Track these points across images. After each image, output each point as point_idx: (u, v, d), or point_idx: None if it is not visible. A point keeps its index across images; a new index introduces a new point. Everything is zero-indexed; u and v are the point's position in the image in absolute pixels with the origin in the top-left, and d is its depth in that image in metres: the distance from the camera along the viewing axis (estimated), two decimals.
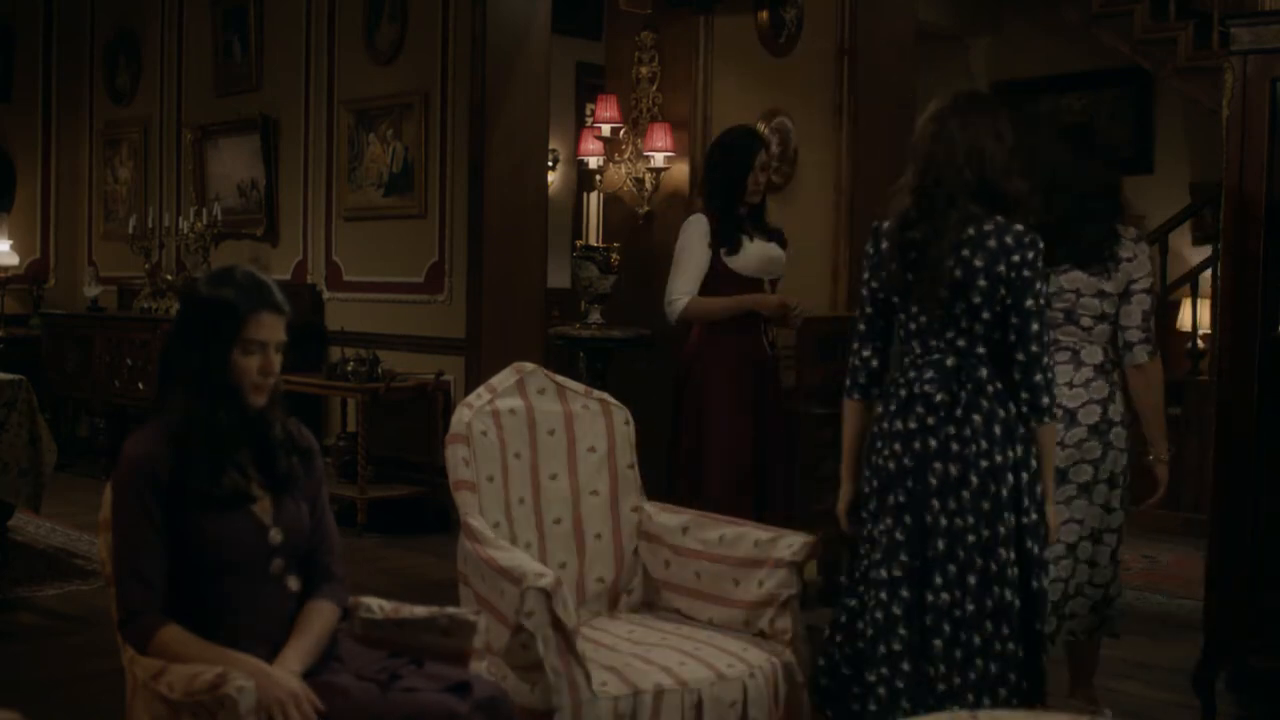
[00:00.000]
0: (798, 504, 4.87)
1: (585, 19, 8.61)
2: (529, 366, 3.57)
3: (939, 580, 2.97)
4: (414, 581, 5.56)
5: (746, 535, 3.34)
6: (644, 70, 5.87)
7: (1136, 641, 5.04)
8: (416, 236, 7.08)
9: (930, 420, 3.00)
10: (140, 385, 8.02)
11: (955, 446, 2.98)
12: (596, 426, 3.56)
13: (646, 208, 5.85)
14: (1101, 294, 3.82)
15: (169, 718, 2.37)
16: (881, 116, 5.72)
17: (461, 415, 3.38)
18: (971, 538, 2.96)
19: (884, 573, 3.03)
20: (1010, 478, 2.98)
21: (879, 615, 3.01)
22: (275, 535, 2.54)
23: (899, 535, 3.01)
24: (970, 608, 2.95)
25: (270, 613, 2.51)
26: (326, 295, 7.63)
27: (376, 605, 2.75)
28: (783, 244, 4.81)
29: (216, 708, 2.27)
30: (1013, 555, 2.98)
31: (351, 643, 2.66)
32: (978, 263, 2.96)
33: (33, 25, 9.56)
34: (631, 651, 3.11)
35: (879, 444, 3.08)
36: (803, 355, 5.02)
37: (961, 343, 3.01)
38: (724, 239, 4.64)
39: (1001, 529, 2.96)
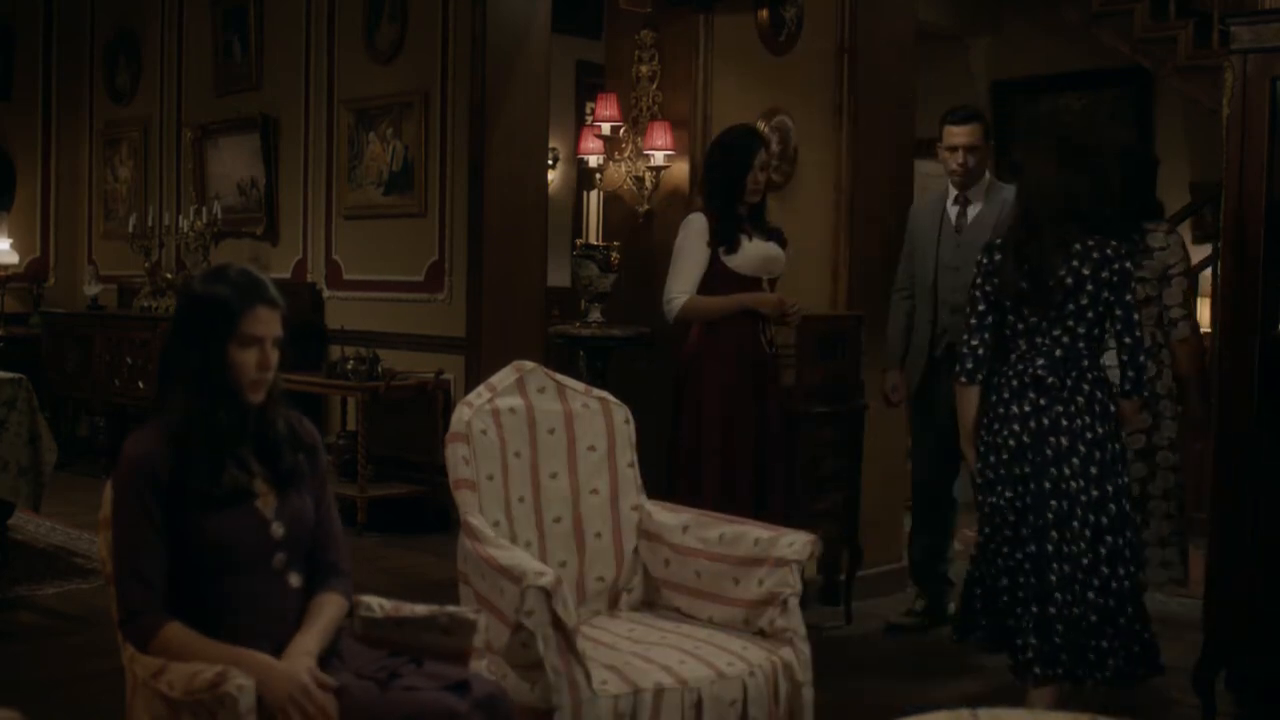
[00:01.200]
0: (797, 503, 4.87)
1: (585, 18, 8.61)
2: (529, 365, 3.57)
3: (1068, 534, 3.63)
4: (414, 580, 5.56)
5: (747, 534, 3.34)
6: (644, 69, 5.86)
7: None
8: (416, 235, 7.08)
9: (1042, 401, 3.68)
10: (140, 384, 8.02)
11: (1064, 422, 3.66)
12: (596, 425, 3.56)
13: (646, 206, 5.84)
14: (1142, 280, 4.44)
15: (169, 717, 2.37)
16: (881, 116, 5.71)
17: (461, 414, 3.38)
18: (1084, 498, 3.64)
19: (1010, 533, 3.72)
20: (1109, 446, 3.70)
21: (1009, 564, 3.72)
22: (277, 529, 2.53)
23: (1028, 500, 3.68)
24: (1089, 555, 3.63)
25: (271, 611, 2.51)
26: (326, 294, 7.63)
27: (376, 604, 2.75)
28: (782, 243, 4.81)
29: (217, 706, 2.27)
30: (1127, 508, 3.72)
31: (351, 641, 2.66)
32: (1086, 271, 3.67)
33: (33, 25, 9.56)
34: (631, 650, 3.11)
35: (997, 425, 3.75)
36: (803, 354, 5.02)
37: (1066, 338, 3.70)
38: (723, 238, 4.64)
39: (1109, 488, 3.68)
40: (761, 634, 3.24)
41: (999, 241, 3.87)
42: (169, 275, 8.34)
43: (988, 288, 3.83)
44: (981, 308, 3.84)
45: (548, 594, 2.84)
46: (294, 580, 2.57)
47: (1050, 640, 3.63)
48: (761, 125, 5.60)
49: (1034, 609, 3.65)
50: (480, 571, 3.09)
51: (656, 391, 4.92)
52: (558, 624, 2.85)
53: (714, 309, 4.63)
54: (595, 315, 5.72)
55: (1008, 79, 9.23)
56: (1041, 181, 3.79)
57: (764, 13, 5.75)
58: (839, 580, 5.32)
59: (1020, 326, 3.77)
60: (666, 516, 3.53)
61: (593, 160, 6.06)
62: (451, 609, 2.71)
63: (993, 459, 3.76)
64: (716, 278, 4.64)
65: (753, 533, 3.34)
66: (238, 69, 8.31)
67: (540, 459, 3.46)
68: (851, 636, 5.08)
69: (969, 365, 3.85)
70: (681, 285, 4.65)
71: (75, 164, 9.76)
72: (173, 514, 2.44)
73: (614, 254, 5.76)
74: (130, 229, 8.60)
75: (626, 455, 3.58)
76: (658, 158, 5.72)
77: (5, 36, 9.42)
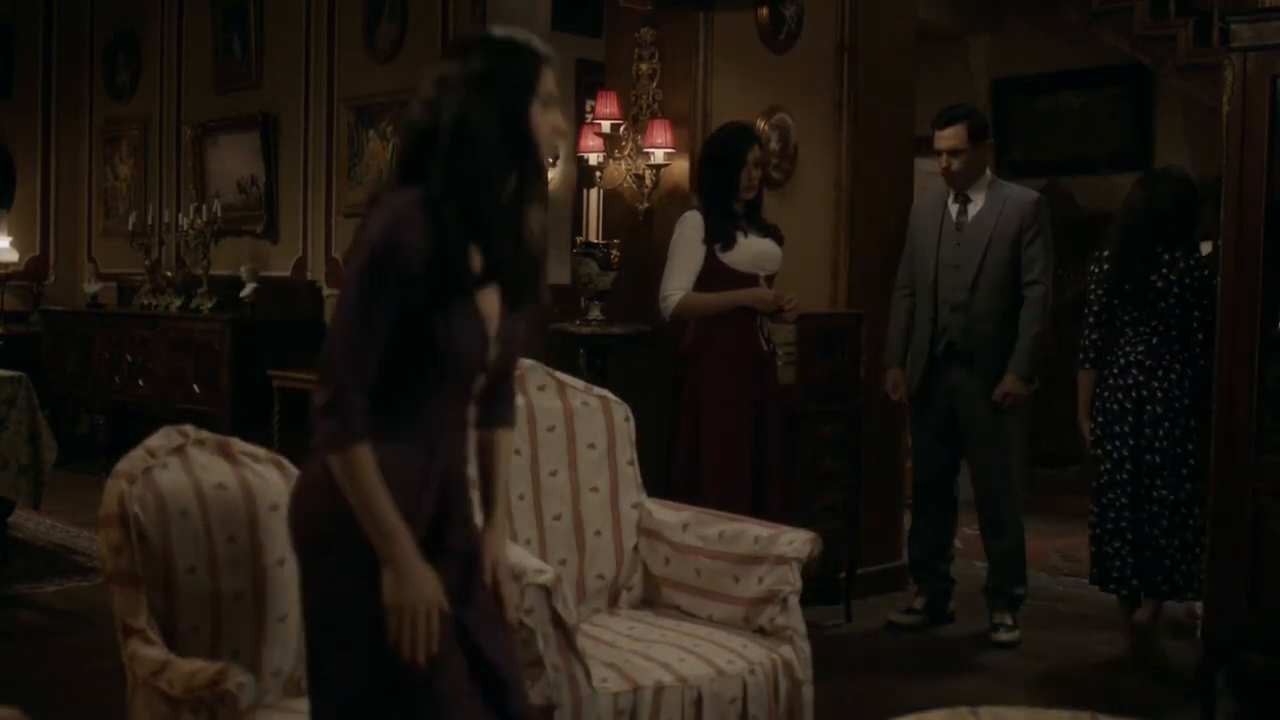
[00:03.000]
0: (796, 501, 4.87)
1: (585, 16, 8.59)
2: (528, 363, 3.57)
3: (1159, 480, 4.54)
4: None
5: (746, 532, 3.34)
6: (644, 67, 5.88)
7: None
8: None
9: (1141, 378, 4.58)
10: (140, 382, 8.02)
11: (1160, 394, 4.54)
12: (596, 423, 3.56)
13: (646, 204, 5.85)
14: None
15: (169, 715, 2.37)
16: (881, 115, 5.70)
17: None
18: (1173, 452, 4.52)
19: (1113, 478, 4.62)
20: (1194, 415, 4.50)
21: (1118, 504, 4.60)
22: (493, 351, 2.26)
23: (1125, 453, 4.59)
24: (1173, 496, 4.53)
25: (441, 435, 2.23)
26: (326, 292, 7.60)
27: None
28: (779, 240, 4.81)
29: (216, 704, 2.26)
30: (1201, 465, 4.35)
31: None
32: (1172, 278, 4.53)
33: (33, 23, 9.56)
34: (631, 648, 3.11)
35: (1107, 394, 4.65)
36: (802, 352, 5.02)
37: (1161, 328, 4.56)
38: (718, 235, 4.64)
39: (1190, 446, 4.51)
40: (761, 632, 3.24)
41: (1105, 253, 4.70)
42: (169, 273, 8.34)
43: (1099, 291, 4.70)
44: (1096, 308, 4.72)
45: (548, 591, 2.84)
46: (472, 412, 2.31)
47: (1141, 564, 4.58)
48: (761, 123, 5.61)
49: (1129, 538, 4.59)
50: None
51: (656, 389, 4.92)
52: (558, 622, 2.85)
53: (709, 306, 4.63)
54: (595, 313, 5.72)
55: (1008, 77, 9.22)
56: (1137, 202, 4.65)
57: (764, 11, 5.76)
58: (839, 578, 5.31)
59: (1126, 319, 4.63)
60: (666, 514, 3.53)
61: (593, 158, 6.06)
62: None
63: (1101, 420, 4.66)
64: (713, 275, 4.64)
65: (752, 530, 3.34)
66: (238, 67, 8.31)
67: (540, 456, 3.46)
68: (852, 635, 5.08)
69: (1091, 354, 4.74)
70: (677, 283, 4.65)
71: (75, 162, 9.76)
72: (411, 308, 2.13)
73: (614, 252, 5.76)
74: (130, 227, 8.59)
75: (626, 453, 3.58)
76: (658, 156, 5.73)
77: (5, 35, 9.42)
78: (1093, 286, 4.77)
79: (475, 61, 2.19)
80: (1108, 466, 4.65)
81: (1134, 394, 4.60)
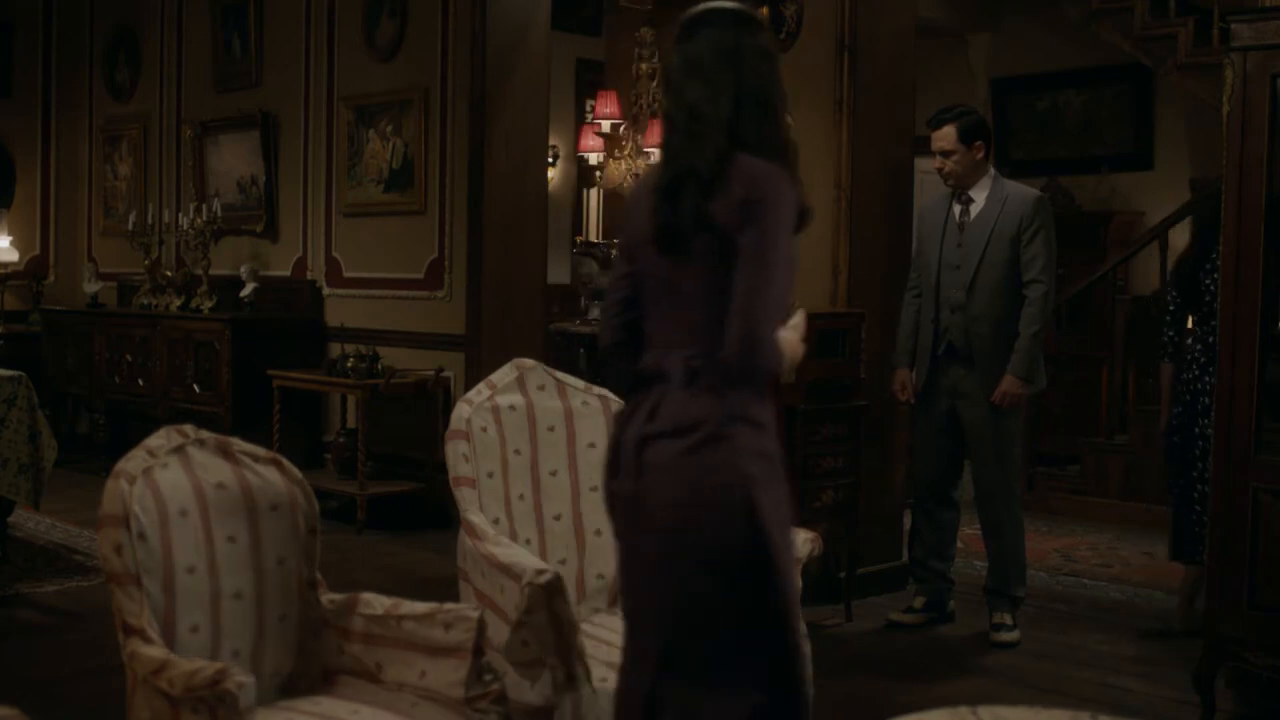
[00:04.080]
0: (796, 500, 4.87)
1: (585, 16, 8.61)
2: (529, 363, 3.57)
3: (1208, 464, 4.66)
4: (414, 577, 5.56)
5: None
6: (644, 66, 5.88)
7: (1138, 638, 5.03)
8: (416, 233, 7.08)
9: (1196, 371, 4.97)
10: (140, 382, 8.02)
11: (1211, 387, 4.69)
12: (596, 422, 3.56)
13: None
14: None
15: (169, 714, 2.37)
16: (882, 113, 5.70)
17: (461, 411, 3.37)
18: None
19: (1182, 464, 5.07)
20: None
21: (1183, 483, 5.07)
22: None
23: (1190, 436, 5.01)
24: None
25: None
26: (326, 291, 7.62)
27: (376, 602, 2.76)
28: None
29: (216, 704, 2.26)
30: None
31: None
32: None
33: (32, 22, 9.56)
34: None
35: (1178, 387, 5.10)
36: None
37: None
38: None
39: None
40: None
41: (1179, 258, 5.29)
42: (169, 273, 8.34)
43: (1174, 291, 5.25)
44: (1172, 307, 5.23)
45: (548, 591, 2.83)
46: None
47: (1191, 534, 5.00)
48: None
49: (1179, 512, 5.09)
50: (480, 569, 3.09)
51: None
52: (557, 621, 2.84)
53: None
54: (595, 313, 5.72)
55: (1007, 75, 9.24)
56: (1197, 213, 5.16)
57: (764, 10, 5.75)
58: (839, 577, 5.31)
59: (1195, 317, 5.09)
60: None
61: (593, 158, 6.07)
62: (451, 606, 2.71)
63: (1180, 409, 5.09)
64: None
65: None
66: (238, 66, 8.31)
67: (540, 456, 3.46)
68: (852, 634, 5.08)
69: (1169, 349, 5.22)
70: None
71: (75, 161, 9.76)
72: None
73: (614, 251, 5.76)
74: (130, 226, 8.60)
75: None
76: (658, 155, 5.72)
77: (5, 34, 9.42)
78: (1169, 285, 5.44)
79: (760, 36, 2.49)
80: (1180, 455, 5.09)
81: (1193, 386, 5.01)
